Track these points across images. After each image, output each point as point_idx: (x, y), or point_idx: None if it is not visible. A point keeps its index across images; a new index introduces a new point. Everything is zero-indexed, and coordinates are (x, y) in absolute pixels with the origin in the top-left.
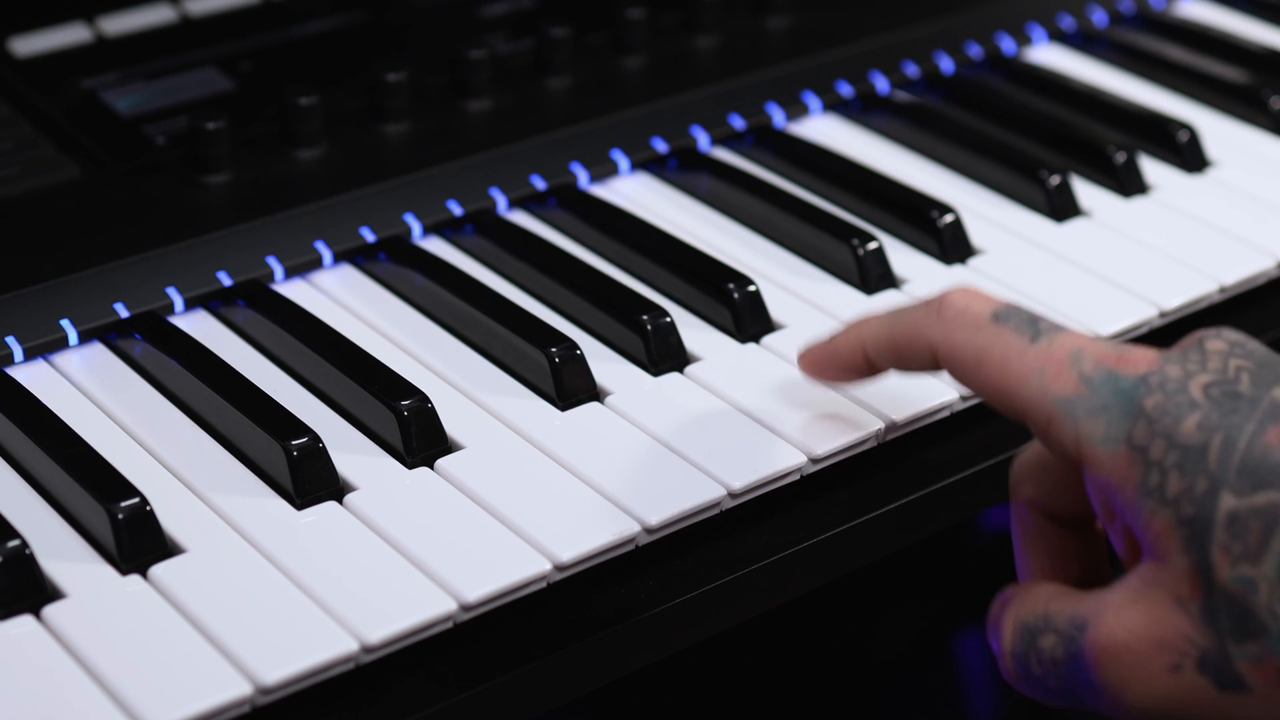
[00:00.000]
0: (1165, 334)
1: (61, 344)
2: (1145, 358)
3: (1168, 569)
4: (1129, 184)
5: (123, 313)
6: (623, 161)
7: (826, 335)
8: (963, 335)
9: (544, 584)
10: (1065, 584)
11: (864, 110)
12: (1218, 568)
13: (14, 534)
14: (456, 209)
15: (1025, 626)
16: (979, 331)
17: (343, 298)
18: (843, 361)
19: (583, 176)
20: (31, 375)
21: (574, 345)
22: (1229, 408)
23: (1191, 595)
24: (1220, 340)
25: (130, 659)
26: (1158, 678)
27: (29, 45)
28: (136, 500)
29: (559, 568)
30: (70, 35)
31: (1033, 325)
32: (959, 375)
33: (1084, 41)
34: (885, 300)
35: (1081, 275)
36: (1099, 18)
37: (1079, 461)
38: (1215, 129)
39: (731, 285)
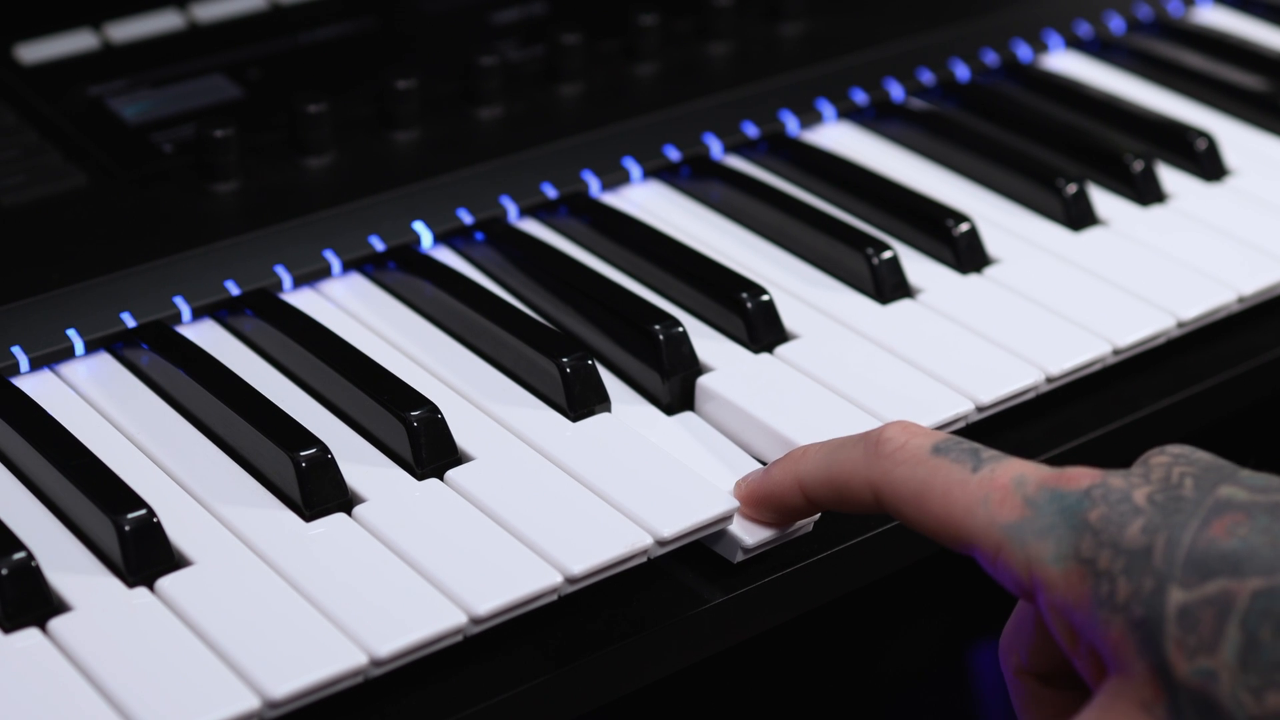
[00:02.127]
0: (1181, 343)
1: (67, 354)
2: (1087, 474)
3: (1130, 678)
4: (1146, 193)
5: (129, 322)
6: (635, 169)
7: (760, 471)
8: (902, 471)
9: (555, 597)
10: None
11: (879, 118)
12: (1175, 665)
13: (20, 546)
14: (467, 217)
15: None
16: (918, 466)
17: (352, 307)
18: (779, 501)
19: (594, 184)
20: (37, 385)
21: (585, 355)
22: (1172, 509)
23: (1156, 699)
24: (1164, 455)
25: (137, 672)
26: None
27: (35, 52)
28: (143, 512)
29: (570, 580)
30: (77, 42)
31: (974, 455)
32: (901, 512)
33: (1101, 48)
34: (900, 309)
35: (1098, 285)
36: (1116, 24)
37: (1032, 588)
38: (1234, 137)
39: (745, 294)
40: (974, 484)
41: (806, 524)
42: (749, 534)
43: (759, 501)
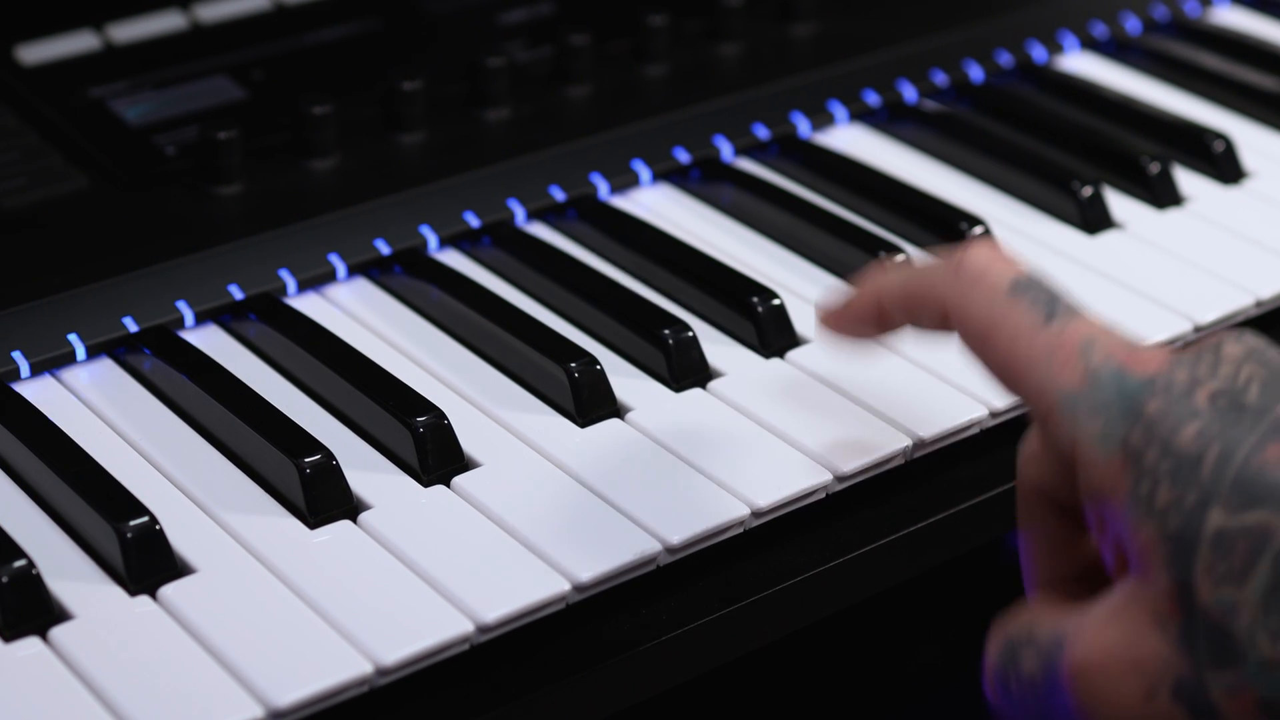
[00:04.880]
0: None
1: (69, 359)
2: (1156, 358)
3: (1150, 585)
4: (1163, 195)
5: (132, 327)
6: (644, 172)
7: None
8: (976, 301)
9: (563, 605)
10: (1067, 578)
11: (891, 120)
12: (1200, 588)
13: (20, 554)
14: (474, 221)
15: (1010, 641)
16: (993, 300)
17: (357, 311)
18: (856, 312)
19: (603, 187)
20: (38, 391)
21: (594, 360)
22: (1231, 419)
23: (1172, 616)
24: (1239, 345)
25: (139, 682)
26: (1131, 703)
27: (36, 53)
28: (146, 519)
29: (578, 588)
30: (78, 43)
31: (1050, 304)
32: (967, 342)
33: (1117, 49)
34: None
35: (1114, 288)
36: (1132, 25)
37: (1073, 460)
38: (1252, 139)
39: (755, 299)
40: (1041, 337)
41: (821, 489)
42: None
43: (837, 314)
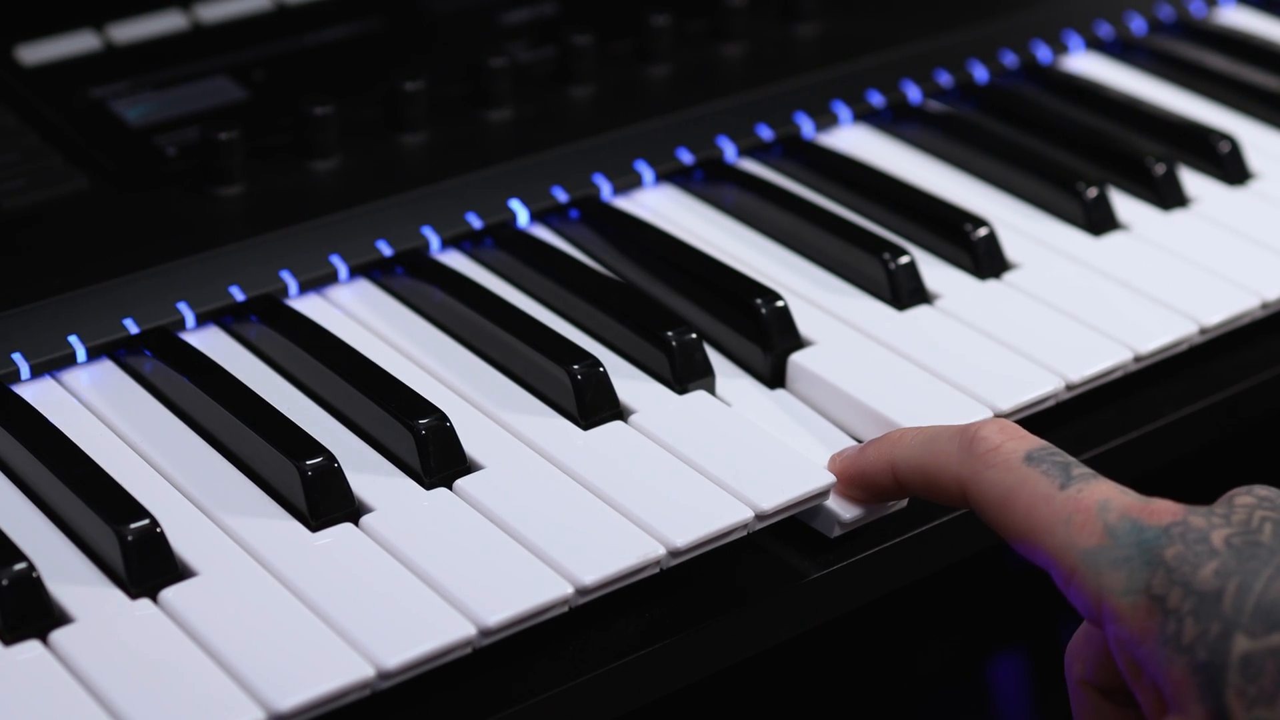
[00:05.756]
0: (1204, 350)
1: (69, 361)
2: (1170, 509)
3: (1188, 719)
4: (1168, 196)
5: (132, 328)
6: (647, 173)
7: (855, 449)
8: (992, 475)
9: (565, 608)
10: None
11: (895, 120)
12: (1234, 712)
13: (20, 557)
14: (476, 222)
15: None
16: (1009, 471)
17: (359, 313)
18: (871, 481)
19: (606, 188)
20: (38, 393)
21: (597, 362)
22: (1248, 554)
23: None
24: (1250, 495)
25: (140, 685)
26: None
27: (36, 53)
28: (146, 522)
29: (581, 591)
30: (79, 43)
31: (1065, 471)
32: (985, 513)
33: (1122, 50)
34: (917, 315)
35: (1119, 290)
36: (1137, 25)
37: (1100, 617)
38: (1257, 140)
39: (759, 300)
40: (1059, 501)
41: (823, 492)
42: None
43: (851, 479)
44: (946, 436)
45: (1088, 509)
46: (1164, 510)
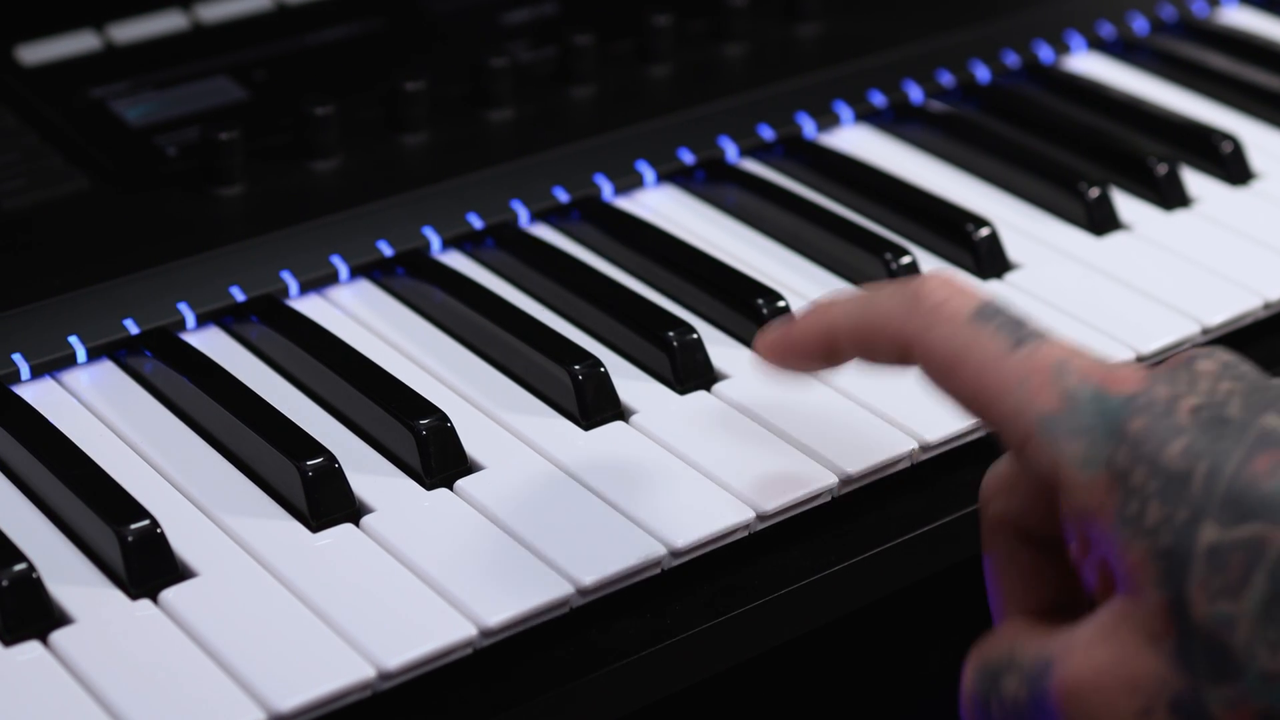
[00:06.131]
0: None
1: (69, 361)
2: (1134, 376)
3: (1141, 604)
4: (1170, 196)
5: (133, 329)
6: (648, 173)
7: (785, 318)
8: (938, 332)
9: (567, 609)
10: (1037, 611)
11: (897, 120)
12: (1195, 603)
13: (20, 557)
14: (477, 222)
15: (988, 666)
16: (957, 330)
17: (359, 313)
18: (804, 347)
19: (607, 189)
20: (38, 393)
21: (598, 363)
22: (1216, 433)
23: (1165, 633)
24: (1211, 361)
25: (140, 686)
26: None
27: (36, 53)
28: (147, 523)
29: (582, 592)
30: (79, 43)
31: (1016, 329)
32: (931, 374)
33: (1124, 50)
34: None
35: (1121, 290)
36: (1140, 25)
37: (1055, 484)
38: (1260, 140)
39: (761, 301)
40: (1011, 363)
41: (824, 493)
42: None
43: (783, 347)
44: (887, 294)
45: (1043, 370)
46: (1127, 378)
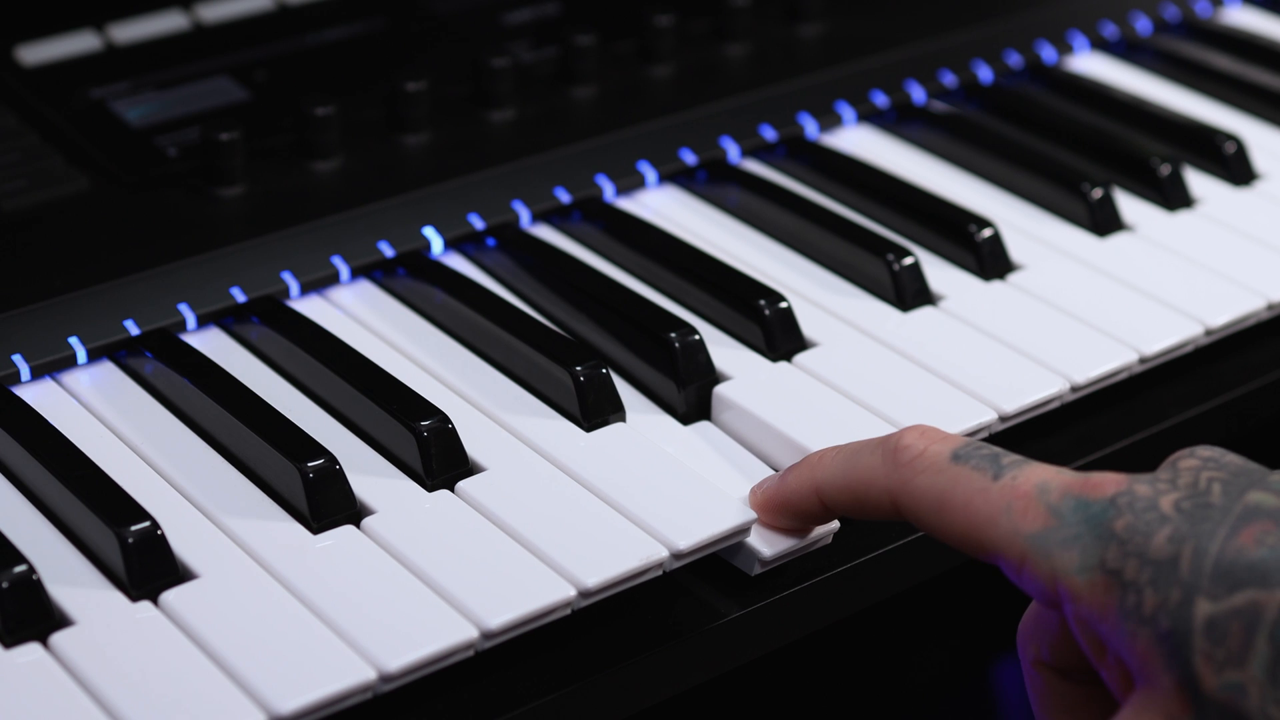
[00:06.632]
0: (1209, 351)
1: (70, 362)
2: (1112, 480)
3: (1157, 691)
4: (1174, 197)
5: (133, 330)
6: (650, 174)
7: (775, 477)
8: (922, 480)
9: (568, 611)
10: None
11: (899, 121)
12: (1203, 678)
13: (21, 559)
14: (478, 223)
15: None
16: (938, 474)
17: (360, 314)
18: (795, 508)
19: (609, 189)
20: (39, 394)
21: (599, 364)
22: (1200, 516)
23: (1183, 712)
24: (1192, 458)
25: (140, 688)
26: None
27: (37, 54)
28: (147, 524)
29: (584, 594)
30: (79, 43)
31: (994, 462)
32: (922, 521)
33: (1127, 50)
34: (921, 317)
35: (1124, 291)
36: (1143, 25)
37: (1057, 599)
38: (1263, 140)
39: (762, 301)
40: (995, 492)
41: (826, 535)
42: (767, 545)
43: (775, 508)
44: (868, 450)
45: (1026, 494)
46: (1106, 482)
